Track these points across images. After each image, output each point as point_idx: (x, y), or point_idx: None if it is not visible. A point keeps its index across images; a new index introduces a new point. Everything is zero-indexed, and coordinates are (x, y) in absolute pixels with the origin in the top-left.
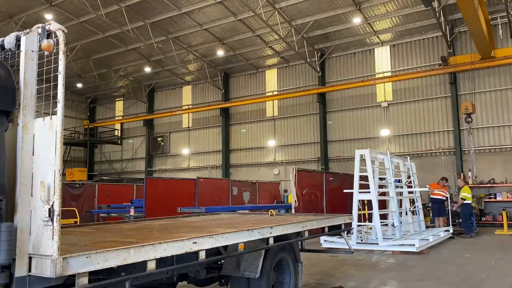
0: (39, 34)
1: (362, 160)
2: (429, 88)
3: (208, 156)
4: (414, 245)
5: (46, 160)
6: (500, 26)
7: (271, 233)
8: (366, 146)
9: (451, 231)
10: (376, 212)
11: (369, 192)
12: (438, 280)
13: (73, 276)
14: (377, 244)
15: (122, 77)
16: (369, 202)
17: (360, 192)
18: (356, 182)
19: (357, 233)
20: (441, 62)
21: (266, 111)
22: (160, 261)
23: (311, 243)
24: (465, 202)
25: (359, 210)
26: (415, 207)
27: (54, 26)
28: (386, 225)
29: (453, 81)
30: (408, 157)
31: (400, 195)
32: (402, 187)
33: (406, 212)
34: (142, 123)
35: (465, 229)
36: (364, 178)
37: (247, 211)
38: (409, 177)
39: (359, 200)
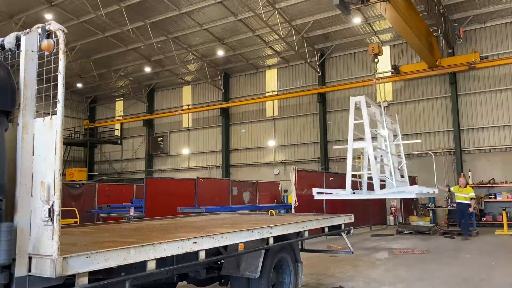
0: (39, 34)
1: (357, 109)
2: (429, 88)
3: (208, 156)
4: (413, 191)
5: (46, 160)
6: (441, 37)
7: (271, 233)
8: None
9: (437, 191)
10: (372, 160)
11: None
12: (438, 280)
13: (73, 276)
14: (374, 192)
15: (122, 77)
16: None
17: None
18: (351, 131)
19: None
20: (393, 70)
21: (266, 111)
22: (160, 261)
23: (311, 243)
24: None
25: (354, 160)
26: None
27: (54, 26)
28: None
29: (453, 81)
30: (396, 116)
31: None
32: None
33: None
34: (142, 123)
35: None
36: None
37: (247, 211)
38: (395, 136)
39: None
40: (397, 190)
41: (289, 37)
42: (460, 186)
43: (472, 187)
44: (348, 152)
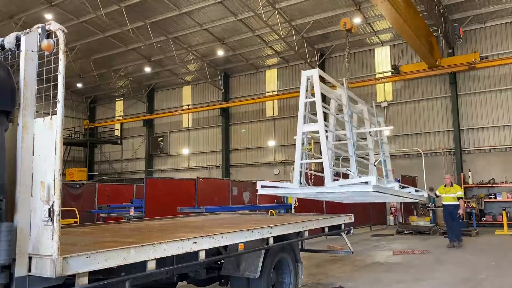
0: (39, 34)
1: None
2: (429, 88)
3: (208, 156)
4: (368, 182)
5: (46, 160)
6: (441, 37)
7: (271, 233)
8: None
9: (425, 195)
10: (324, 146)
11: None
12: (438, 280)
13: (73, 276)
14: (323, 186)
15: (122, 77)
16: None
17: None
18: (301, 111)
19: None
20: (393, 70)
21: (266, 111)
22: (160, 261)
23: (312, 243)
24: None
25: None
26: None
27: (54, 26)
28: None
29: (453, 81)
30: (374, 104)
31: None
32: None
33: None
34: (142, 123)
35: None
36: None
37: (247, 211)
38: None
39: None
40: (348, 183)
41: (289, 37)
42: (445, 186)
43: (472, 187)
44: (297, 137)
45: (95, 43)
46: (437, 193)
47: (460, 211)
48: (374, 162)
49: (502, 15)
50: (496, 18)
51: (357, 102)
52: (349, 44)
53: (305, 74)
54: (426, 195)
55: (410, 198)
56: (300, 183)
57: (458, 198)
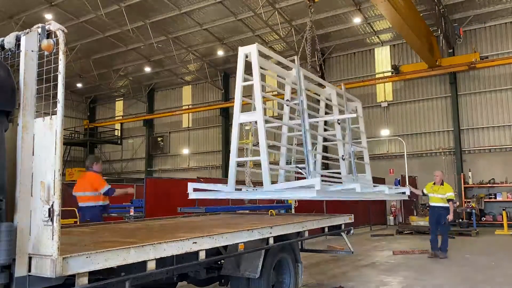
0: (39, 34)
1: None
2: (429, 88)
3: (208, 156)
4: (313, 185)
5: (46, 160)
6: (441, 37)
7: (271, 233)
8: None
9: (407, 192)
10: (262, 140)
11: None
12: (438, 280)
13: (73, 276)
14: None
15: (122, 77)
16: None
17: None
18: (238, 96)
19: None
20: (393, 70)
21: (266, 111)
22: (160, 261)
23: (312, 243)
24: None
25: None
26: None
27: (54, 26)
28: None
29: (453, 81)
30: (342, 85)
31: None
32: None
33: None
34: (142, 123)
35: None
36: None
37: (247, 211)
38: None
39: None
40: (291, 186)
41: (289, 37)
42: (434, 184)
43: (472, 187)
44: (233, 128)
45: (95, 43)
46: (424, 191)
47: (450, 216)
48: (343, 156)
49: (502, 15)
50: (496, 18)
51: (324, 86)
52: (311, 16)
53: (242, 50)
54: (408, 192)
55: (388, 196)
56: (244, 185)
57: (448, 200)
